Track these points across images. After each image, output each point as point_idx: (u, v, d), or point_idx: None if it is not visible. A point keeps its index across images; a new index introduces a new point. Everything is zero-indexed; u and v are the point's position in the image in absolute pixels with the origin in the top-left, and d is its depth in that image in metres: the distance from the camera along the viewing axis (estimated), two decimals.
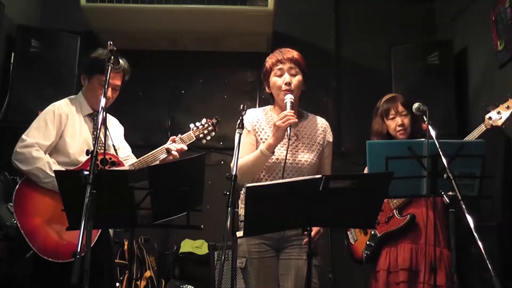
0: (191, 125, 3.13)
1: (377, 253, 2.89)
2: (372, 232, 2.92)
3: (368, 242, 2.92)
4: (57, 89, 4.09)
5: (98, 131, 2.15)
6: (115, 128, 3.13)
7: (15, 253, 3.15)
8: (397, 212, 2.89)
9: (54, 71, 4.12)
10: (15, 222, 3.20)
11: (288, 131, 2.47)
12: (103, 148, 2.86)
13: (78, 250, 1.82)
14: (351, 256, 3.08)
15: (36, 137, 2.79)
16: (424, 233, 2.75)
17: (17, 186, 2.79)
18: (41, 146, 2.78)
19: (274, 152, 2.53)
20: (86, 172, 2.00)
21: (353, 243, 3.06)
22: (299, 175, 2.60)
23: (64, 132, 2.85)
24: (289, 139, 2.50)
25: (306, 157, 2.64)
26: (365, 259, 2.91)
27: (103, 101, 2.21)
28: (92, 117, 2.98)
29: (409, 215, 2.83)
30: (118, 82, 2.94)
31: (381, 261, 2.86)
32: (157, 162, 2.97)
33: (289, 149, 2.58)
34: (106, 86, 2.28)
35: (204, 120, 3.14)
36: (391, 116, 2.97)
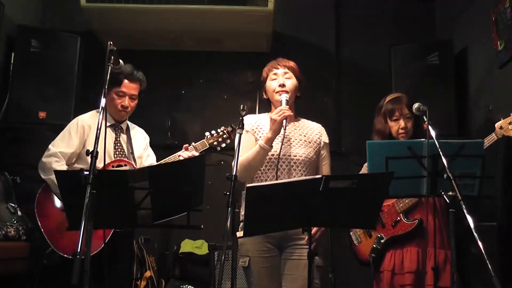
0: (206, 133, 3.23)
1: (382, 255, 2.88)
2: (378, 235, 2.91)
3: (374, 246, 2.90)
4: (57, 89, 4.10)
5: (99, 131, 2.15)
6: (139, 138, 3.29)
7: (16, 253, 3.16)
8: (404, 216, 2.88)
9: (54, 71, 4.11)
10: (15, 222, 3.23)
11: (284, 123, 2.55)
12: (121, 155, 3.10)
13: (78, 250, 1.83)
14: (356, 257, 3.07)
15: (60, 146, 3.06)
16: (430, 236, 2.73)
17: (39, 191, 3.05)
18: (63, 154, 3.04)
19: (272, 146, 2.59)
20: (86, 172, 2.00)
21: (357, 244, 3.05)
22: (294, 168, 2.64)
23: (86, 141, 3.08)
24: (285, 129, 2.56)
25: (302, 151, 2.68)
26: (372, 262, 2.89)
27: (103, 101, 2.24)
28: (114, 127, 3.17)
29: (417, 220, 2.82)
30: (134, 92, 3.14)
31: (385, 263, 2.84)
32: None
33: (284, 145, 2.64)
34: (106, 86, 2.30)
35: (220, 128, 3.24)
36: (395, 118, 2.94)
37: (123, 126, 3.23)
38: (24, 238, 3.23)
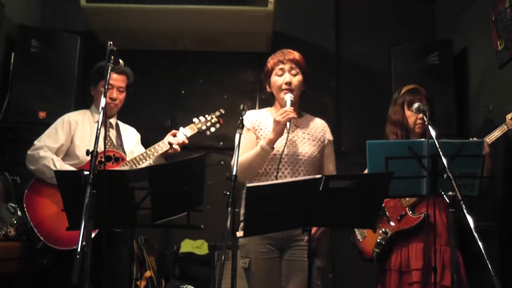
0: (194, 119, 3.21)
1: (387, 252, 2.84)
2: (383, 230, 2.88)
3: (378, 240, 2.86)
4: (57, 89, 4.10)
5: (98, 130, 2.15)
6: (129, 134, 3.30)
7: (16, 253, 3.16)
8: (409, 210, 2.86)
9: (54, 71, 4.11)
10: (15, 222, 3.23)
11: (288, 125, 2.51)
12: (109, 146, 3.10)
13: (78, 250, 1.83)
14: (360, 254, 3.03)
15: (46, 141, 3.06)
16: (436, 233, 2.71)
17: (29, 184, 3.03)
18: (49, 148, 3.03)
19: (274, 147, 2.56)
20: (86, 172, 2.00)
21: (361, 240, 3.01)
22: (297, 167, 2.62)
23: (74, 136, 3.09)
24: (288, 132, 2.53)
25: (306, 150, 2.65)
26: (376, 258, 2.86)
27: (103, 101, 2.24)
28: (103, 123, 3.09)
29: (423, 214, 2.78)
30: (121, 84, 3.15)
31: (391, 261, 2.80)
32: (157, 156, 3.05)
33: (289, 142, 2.61)
34: (106, 86, 2.31)
35: (207, 114, 3.23)
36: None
37: (112, 121, 3.23)
38: (24, 238, 3.23)
